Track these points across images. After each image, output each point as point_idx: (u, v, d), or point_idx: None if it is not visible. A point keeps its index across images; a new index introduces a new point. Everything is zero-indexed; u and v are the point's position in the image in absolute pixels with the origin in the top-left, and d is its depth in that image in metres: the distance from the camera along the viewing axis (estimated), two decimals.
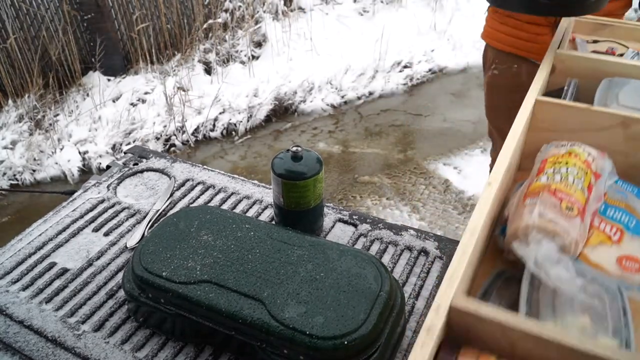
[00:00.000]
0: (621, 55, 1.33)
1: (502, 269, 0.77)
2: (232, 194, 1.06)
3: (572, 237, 0.69)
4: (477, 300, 0.64)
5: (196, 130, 3.44)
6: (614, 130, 0.97)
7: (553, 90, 1.15)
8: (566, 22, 1.39)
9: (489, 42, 1.53)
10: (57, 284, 0.86)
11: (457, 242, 0.92)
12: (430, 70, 4.06)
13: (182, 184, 1.09)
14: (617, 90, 1.06)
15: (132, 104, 3.54)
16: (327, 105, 3.70)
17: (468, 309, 0.62)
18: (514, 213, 0.75)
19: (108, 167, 1.17)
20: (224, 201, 1.04)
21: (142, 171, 1.14)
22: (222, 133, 3.47)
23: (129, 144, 3.28)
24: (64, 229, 0.97)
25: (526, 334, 0.60)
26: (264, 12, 4.35)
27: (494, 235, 0.81)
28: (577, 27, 1.43)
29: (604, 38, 1.41)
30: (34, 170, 3.09)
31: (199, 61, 3.93)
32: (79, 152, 3.20)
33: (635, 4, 1.44)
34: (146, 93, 3.63)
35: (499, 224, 0.82)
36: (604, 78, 1.13)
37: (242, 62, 3.99)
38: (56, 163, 3.13)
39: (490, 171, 1.05)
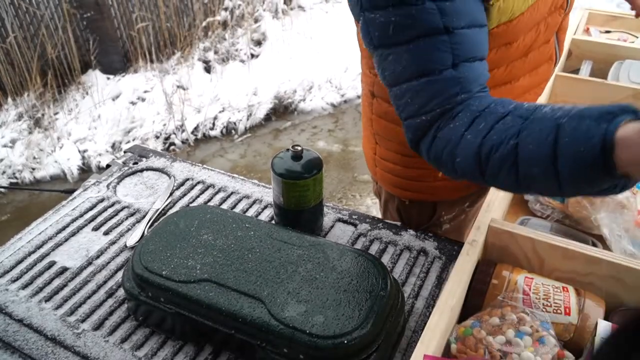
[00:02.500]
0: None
1: (526, 217, 0.93)
2: (232, 193, 1.06)
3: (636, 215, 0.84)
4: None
5: (196, 128, 3.44)
6: (626, 102, 1.08)
7: (570, 72, 1.24)
8: (580, 14, 1.49)
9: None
10: (56, 282, 0.86)
11: (455, 242, 0.93)
12: None
13: (182, 183, 1.09)
14: (628, 70, 1.16)
15: (132, 103, 3.54)
16: (327, 104, 3.70)
17: (504, 227, 0.77)
18: None
19: (108, 166, 1.17)
20: (223, 200, 1.04)
21: (141, 170, 1.14)
22: (221, 132, 3.47)
23: (128, 142, 3.28)
24: (64, 228, 0.97)
25: (554, 247, 0.74)
26: (264, 10, 4.35)
27: None
28: (590, 19, 1.55)
29: (616, 29, 1.50)
30: (33, 169, 3.09)
31: (199, 60, 3.93)
32: (79, 151, 3.19)
33: None
34: (146, 92, 3.62)
35: None
36: (616, 61, 1.23)
37: (242, 61, 3.99)
38: (56, 161, 3.13)
39: None
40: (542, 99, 1.02)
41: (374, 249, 0.93)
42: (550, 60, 0.96)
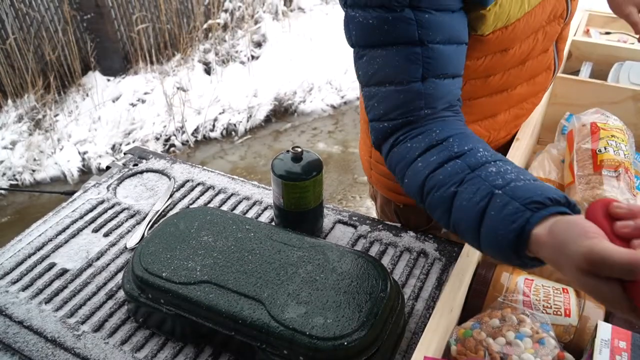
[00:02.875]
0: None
1: None
2: (232, 194, 1.06)
3: None
4: None
5: (196, 130, 3.44)
6: (625, 104, 1.08)
7: (570, 74, 1.24)
8: (580, 15, 1.49)
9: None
10: (56, 284, 0.86)
11: (456, 244, 0.93)
12: None
13: (182, 185, 1.09)
14: (628, 71, 1.16)
15: (132, 104, 3.54)
16: (327, 105, 3.71)
17: None
18: (588, 175, 0.88)
19: (108, 167, 1.17)
20: (223, 202, 1.04)
21: (142, 172, 1.14)
22: (221, 133, 3.47)
23: (128, 144, 3.28)
24: (64, 230, 0.97)
25: None
26: (264, 12, 4.35)
27: None
28: (591, 20, 1.55)
29: (616, 30, 1.51)
30: (33, 171, 3.09)
31: (199, 61, 3.93)
32: (79, 153, 3.20)
33: None
34: (146, 93, 3.63)
35: None
36: (616, 62, 1.23)
37: (242, 62, 4.00)
38: (56, 163, 3.13)
39: None
40: (542, 101, 1.02)
41: (374, 250, 0.93)
42: (549, 70, 0.96)
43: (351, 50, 0.73)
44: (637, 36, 1.09)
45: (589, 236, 0.47)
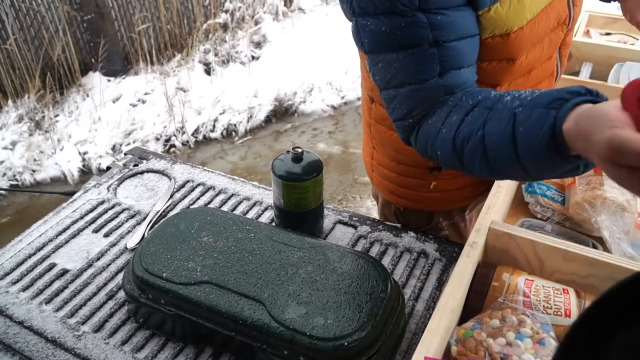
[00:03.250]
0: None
1: (526, 219, 0.94)
2: (232, 195, 1.06)
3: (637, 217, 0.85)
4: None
5: (196, 130, 3.44)
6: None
7: (570, 74, 1.24)
8: (580, 16, 1.50)
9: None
10: (57, 284, 0.86)
11: (456, 244, 0.93)
12: None
13: (182, 185, 1.09)
14: (628, 72, 1.15)
15: (132, 105, 3.54)
16: (327, 106, 3.71)
17: (504, 229, 0.78)
18: (588, 176, 0.88)
19: (108, 168, 1.17)
20: (224, 202, 1.04)
21: (142, 172, 1.14)
22: (222, 134, 3.47)
23: (128, 144, 3.28)
24: (64, 230, 0.97)
25: (554, 250, 0.74)
26: (264, 12, 4.35)
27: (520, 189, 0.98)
28: (591, 21, 1.55)
29: (616, 31, 1.50)
30: (33, 171, 3.09)
31: (199, 62, 3.93)
32: (79, 153, 3.20)
33: None
34: (146, 94, 3.63)
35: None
36: (616, 63, 1.22)
37: (242, 63, 4.00)
38: (56, 164, 3.13)
39: None
40: None
41: (374, 250, 0.93)
42: (552, 76, 0.96)
43: (351, 50, 0.73)
44: None
45: (611, 125, 0.47)
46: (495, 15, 0.72)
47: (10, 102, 3.36)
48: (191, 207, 1.03)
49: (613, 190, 0.84)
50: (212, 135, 3.46)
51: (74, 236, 0.96)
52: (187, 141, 3.39)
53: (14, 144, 3.17)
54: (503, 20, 0.73)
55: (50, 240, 0.95)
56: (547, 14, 0.80)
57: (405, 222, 1.12)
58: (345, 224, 1.00)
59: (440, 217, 1.10)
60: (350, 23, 0.74)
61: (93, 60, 3.66)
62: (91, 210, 1.02)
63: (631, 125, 0.46)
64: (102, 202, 1.04)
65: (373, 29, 0.69)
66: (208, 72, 3.91)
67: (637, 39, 1.43)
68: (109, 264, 0.90)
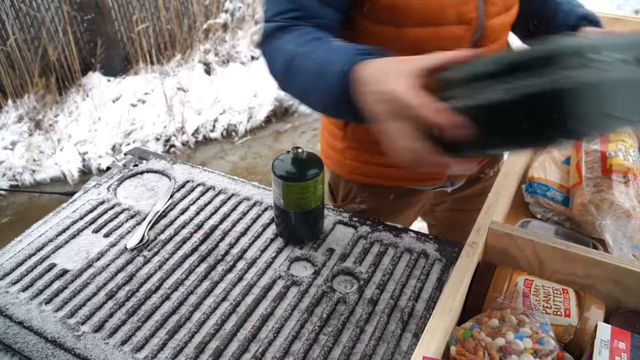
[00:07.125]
0: None
1: (526, 219, 0.95)
2: (232, 195, 1.06)
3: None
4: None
5: (196, 131, 3.45)
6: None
7: None
8: None
9: (353, 177, 1.11)
10: (57, 284, 0.86)
11: (456, 244, 0.93)
12: None
13: (182, 186, 1.09)
14: None
15: (132, 105, 3.54)
16: None
17: (504, 229, 0.78)
18: (596, 178, 0.88)
19: (108, 168, 1.17)
20: (224, 202, 1.04)
21: (142, 172, 1.14)
22: (222, 134, 3.48)
23: (128, 144, 3.28)
24: (64, 230, 0.97)
25: (554, 250, 0.74)
26: None
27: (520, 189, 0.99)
28: None
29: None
30: (33, 171, 3.10)
31: (199, 62, 3.93)
32: (79, 153, 3.20)
33: None
34: (146, 94, 3.63)
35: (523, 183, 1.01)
36: None
37: (242, 63, 4.00)
38: (56, 164, 3.14)
39: None
40: None
41: (374, 251, 0.93)
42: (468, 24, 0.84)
43: None
44: None
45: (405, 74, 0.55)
46: None
47: (10, 102, 3.36)
48: (191, 207, 1.03)
49: (621, 196, 0.84)
50: (212, 135, 3.47)
51: (73, 236, 0.96)
52: (187, 141, 3.40)
53: (13, 144, 3.18)
54: None
55: (50, 241, 0.95)
56: None
57: (336, 190, 1.18)
58: (345, 224, 1.00)
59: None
60: None
61: (93, 60, 3.66)
62: (91, 211, 1.02)
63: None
64: (102, 203, 1.04)
65: None
66: (208, 72, 3.91)
67: None
68: (109, 264, 0.90)
